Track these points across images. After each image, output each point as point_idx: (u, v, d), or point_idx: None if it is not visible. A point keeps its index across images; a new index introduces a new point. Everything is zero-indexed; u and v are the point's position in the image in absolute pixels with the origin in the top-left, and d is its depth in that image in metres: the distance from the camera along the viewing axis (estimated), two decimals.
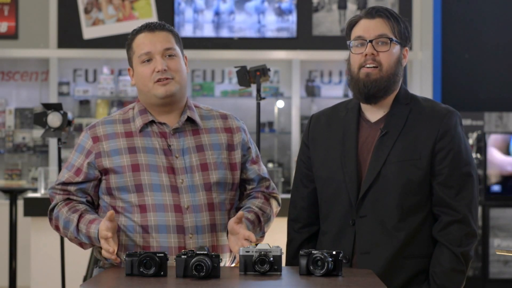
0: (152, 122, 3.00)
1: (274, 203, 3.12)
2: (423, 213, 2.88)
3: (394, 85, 2.92)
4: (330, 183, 2.96)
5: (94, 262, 3.16)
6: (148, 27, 3.00)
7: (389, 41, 2.88)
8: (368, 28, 2.90)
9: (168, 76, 2.96)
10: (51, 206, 3.03)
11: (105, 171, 2.96)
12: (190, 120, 3.03)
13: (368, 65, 2.88)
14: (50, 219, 3.04)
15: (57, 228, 3.02)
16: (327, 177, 2.97)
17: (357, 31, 2.92)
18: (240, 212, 2.92)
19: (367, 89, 2.89)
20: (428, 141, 2.87)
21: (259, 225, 3.02)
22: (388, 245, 2.85)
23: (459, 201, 2.86)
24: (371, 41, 2.88)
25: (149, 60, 2.97)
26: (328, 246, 2.92)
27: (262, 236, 3.06)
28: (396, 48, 2.91)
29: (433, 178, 2.88)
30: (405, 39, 2.94)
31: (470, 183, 2.88)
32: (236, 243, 2.88)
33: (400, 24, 2.92)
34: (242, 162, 3.07)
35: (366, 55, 2.88)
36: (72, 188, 2.99)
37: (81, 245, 2.98)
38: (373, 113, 2.96)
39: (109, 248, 2.78)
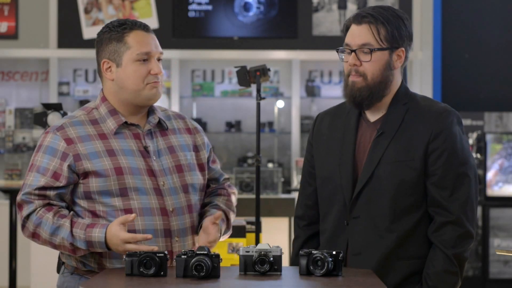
0: (124, 123, 2.93)
1: (234, 199, 3.13)
2: (418, 214, 2.86)
3: (384, 91, 2.89)
4: (328, 182, 2.96)
5: (57, 268, 3.00)
6: (142, 27, 2.92)
7: (370, 52, 2.85)
8: (353, 35, 2.88)
9: (158, 81, 2.92)
10: (26, 212, 2.81)
11: (84, 175, 2.84)
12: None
13: (352, 75, 2.89)
14: (24, 226, 2.82)
15: (34, 235, 2.82)
16: (326, 177, 2.97)
17: (347, 38, 2.91)
18: (219, 213, 2.92)
19: (353, 97, 2.89)
20: (421, 141, 2.85)
21: (227, 223, 3.03)
22: (380, 246, 2.84)
23: (452, 202, 2.83)
24: (354, 51, 2.87)
25: (145, 60, 2.90)
26: (324, 246, 2.93)
27: (228, 234, 3.07)
28: (382, 54, 2.87)
29: (427, 179, 2.85)
30: (395, 41, 2.88)
31: (466, 184, 2.84)
32: (203, 242, 2.88)
33: (388, 27, 2.86)
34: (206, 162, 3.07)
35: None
36: (51, 193, 2.83)
37: (73, 251, 2.81)
38: (373, 113, 2.95)
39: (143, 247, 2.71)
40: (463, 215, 2.83)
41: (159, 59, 2.94)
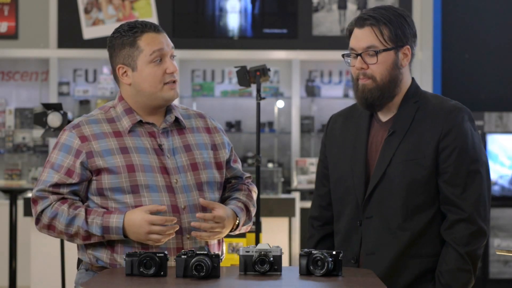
0: (140, 122, 2.97)
1: (254, 196, 3.14)
2: (431, 212, 2.87)
3: (394, 89, 2.91)
4: (341, 183, 2.97)
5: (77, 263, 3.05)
6: (153, 28, 2.95)
7: (375, 54, 2.87)
8: (358, 39, 2.89)
9: (176, 79, 2.96)
10: (41, 207, 2.88)
11: (97, 172, 2.89)
12: (174, 120, 3.02)
13: (361, 78, 2.89)
14: (39, 220, 2.89)
15: (50, 227, 2.88)
16: (338, 177, 2.98)
17: (351, 42, 2.92)
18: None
19: (365, 99, 2.91)
20: (432, 139, 2.86)
21: (247, 213, 3.04)
22: (393, 245, 2.85)
23: (464, 200, 2.83)
24: (360, 54, 2.88)
25: (160, 61, 2.93)
26: (338, 247, 2.94)
27: (249, 225, 3.08)
28: (388, 55, 2.88)
29: (438, 177, 2.86)
30: (400, 40, 2.89)
31: (478, 181, 2.85)
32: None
33: (391, 27, 2.87)
34: (227, 161, 3.08)
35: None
36: (64, 190, 2.90)
37: (87, 238, 2.86)
38: (384, 113, 2.96)
39: (169, 229, 2.79)
40: (476, 212, 2.84)
41: (172, 56, 2.97)
